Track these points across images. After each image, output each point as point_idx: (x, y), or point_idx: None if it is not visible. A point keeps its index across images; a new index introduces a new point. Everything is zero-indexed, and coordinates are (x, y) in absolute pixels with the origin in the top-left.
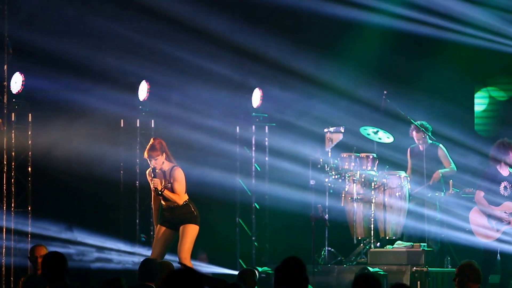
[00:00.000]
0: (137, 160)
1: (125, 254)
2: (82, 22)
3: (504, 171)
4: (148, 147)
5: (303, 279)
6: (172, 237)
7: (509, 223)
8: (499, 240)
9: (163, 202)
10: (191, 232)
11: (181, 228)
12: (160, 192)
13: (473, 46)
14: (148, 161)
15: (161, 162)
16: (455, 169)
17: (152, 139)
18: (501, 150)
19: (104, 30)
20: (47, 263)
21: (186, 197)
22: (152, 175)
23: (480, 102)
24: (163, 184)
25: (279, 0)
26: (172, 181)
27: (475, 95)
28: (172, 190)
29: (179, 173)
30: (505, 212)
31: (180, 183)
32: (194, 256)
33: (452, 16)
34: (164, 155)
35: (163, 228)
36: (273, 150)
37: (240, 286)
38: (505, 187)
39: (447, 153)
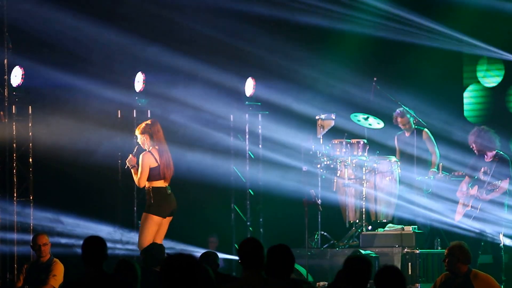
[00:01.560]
0: (135, 150)
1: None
2: (79, 18)
3: (486, 157)
4: (139, 126)
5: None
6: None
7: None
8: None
9: None
10: (143, 220)
11: None
12: (126, 167)
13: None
14: (140, 137)
15: (143, 142)
16: (438, 155)
17: (148, 120)
18: (487, 139)
19: (101, 24)
20: (86, 247)
21: (146, 184)
22: (134, 154)
23: (470, 89)
24: (131, 162)
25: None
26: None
27: (464, 82)
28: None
29: (142, 157)
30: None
31: (141, 167)
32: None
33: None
34: (146, 135)
35: None
36: (266, 138)
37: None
38: (484, 172)
39: (431, 137)
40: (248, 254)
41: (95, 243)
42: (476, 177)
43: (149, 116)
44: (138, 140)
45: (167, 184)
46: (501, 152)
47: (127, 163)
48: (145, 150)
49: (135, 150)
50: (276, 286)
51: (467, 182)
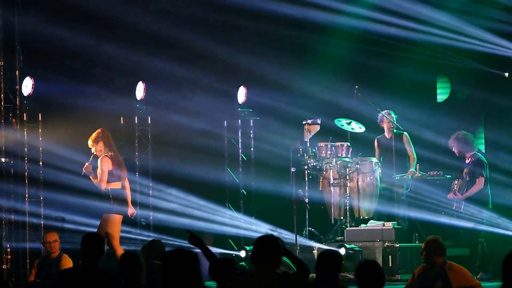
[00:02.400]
0: (136, 153)
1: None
2: (84, 32)
3: (466, 159)
4: (98, 135)
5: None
6: None
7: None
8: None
9: None
10: (106, 221)
11: None
12: (85, 174)
13: (436, 45)
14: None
15: (98, 150)
16: (415, 156)
17: (98, 129)
18: (465, 142)
19: (104, 38)
20: (84, 242)
21: (108, 186)
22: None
23: (441, 97)
24: (88, 169)
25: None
26: (97, 167)
27: (438, 89)
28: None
29: (101, 162)
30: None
31: (101, 170)
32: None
33: (415, 17)
34: (101, 143)
35: None
36: (258, 141)
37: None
38: (466, 173)
39: (410, 140)
40: (262, 249)
41: (92, 239)
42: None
43: (149, 122)
44: (93, 150)
45: (121, 186)
46: (478, 154)
47: (84, 170)
48: (102, 155)
49: (91, 159)
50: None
51: (459, 185)
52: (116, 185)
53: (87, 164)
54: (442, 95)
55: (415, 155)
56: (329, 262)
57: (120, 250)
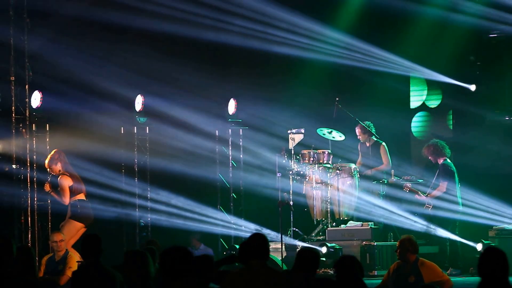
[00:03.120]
0: (135, 160)
1: None
2: (88, 49)
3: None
4: (48, 162)
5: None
6: None
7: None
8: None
9: None
10: (68, 225)
11: None
12: (48, 192)
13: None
14: (50, 169)
15: (57, 170)
16: (390, 166)
17: (53, 151)
18: (437, 150)
19: (106, 55)
20: (84, 243)
21: (72, 199)
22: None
23: (416, 108)
24: (47, 189)
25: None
26: (59, 185)
27: (411, 102)
28: (59, 193)
29: (61, 181)
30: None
31: (62, 188)
32: (188, 239)
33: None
34: (58, 163)
35: None
36: (247, 149)
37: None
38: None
39: (387, 150)
40: (254, 246)
41: (92, 240)
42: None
43: (147, 131)
44: (52, 171)
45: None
46: (447, 161)
47: (45, 189)
48: (61, 174)
49: (49, 178)
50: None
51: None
52: (80, 197)
53: (46, 183)
54: (416, 101)
55: (390, 165)
56: (307, 257)
57: (74, 251)
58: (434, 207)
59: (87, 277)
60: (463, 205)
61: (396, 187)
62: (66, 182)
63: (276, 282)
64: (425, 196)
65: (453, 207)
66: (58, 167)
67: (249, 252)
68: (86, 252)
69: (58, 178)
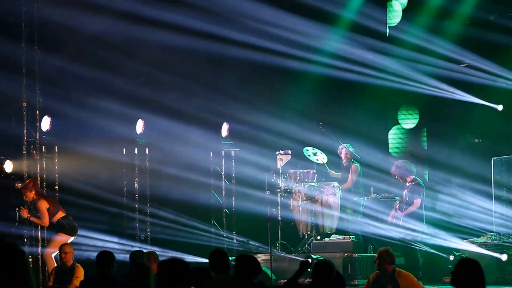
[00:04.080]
0: (136, 179)
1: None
2: (91, 80)
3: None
4: (23, 187)
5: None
6: None
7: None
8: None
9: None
10: (57, 239)
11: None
12: (26, 219)
13: (388, 87)
14: (24, 196)
15: (31, 196)
16: (351, 185)
17: (27, 180)
18: (403, 169)
19: (108, 83)
20: (99, 258)
21: (54, 220)
22: (30, 209)
23: (393, 131)
24: (24, 215)
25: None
26: (37, 210)
27: (389, 124)
28: (38, 217)
29: (39, 205)
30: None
31: (41, 212)
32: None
33: (370, 65)
34: (32, 190)
35: None
36: (238, 169)
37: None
38: (406, 194)
39: (357, 171)
40: (218, 261)
41: (105, 256)
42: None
43: (147, 152)
44: (26, 198)
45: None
46: (417, 178)
47: (22, 215)
48: (37, 199)
49: (26, 205)
50: (245, 285)
51: (398, 203)
52: (60, 215)
53: (23, 208)
54: (409, 124)
55: (351, 184)
56: (321, 270)
57: (52, 261)
58: (404, 222)
59: (98, 285)
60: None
61: (375, 203)
62: (44, 205)
63: None
64: (401, 211)
65: (418, 223)
66: (32, 193)
67: (213, 266)
68: (100, 265)
69: (37, 203)
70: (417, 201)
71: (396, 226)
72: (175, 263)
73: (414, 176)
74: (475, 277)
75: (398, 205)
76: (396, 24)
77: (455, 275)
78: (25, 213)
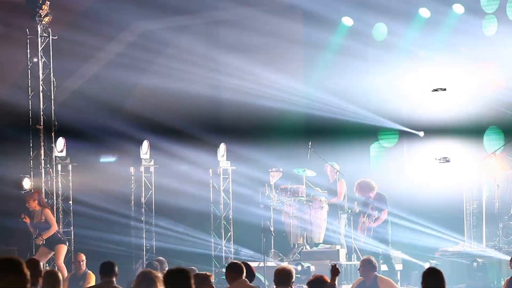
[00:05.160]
0: (142, 195)
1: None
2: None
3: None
4: (27, 196)
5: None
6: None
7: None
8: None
9: None
10: (60, 249)
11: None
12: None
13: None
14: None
15: (33, 206)
16: (341, 199)
17: (33, 191)
18: (365, 187)
19: (114, 112)
20: (102, 267)
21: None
22: (30, 216)
23: (374, 150)
24: (27, 219)
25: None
26: (43, 218)
27: (370, 144)
28: (44, 225)
29: (47, 213)
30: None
31: (49, 218)
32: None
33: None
34: (36, 202)
35: None
36: (235, 185)
37: None
38: (372, 208)
39: (344, 187)
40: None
41: (109, 265)
42: (368, 212)
43: (151, 170)
44: (29, 206)
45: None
46: (380, 192)
47: (25, 220)
48: (39, 210)
49: (32, 215)
50: None
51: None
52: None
53: (25, 216)
54: (390, 143)
55: (342, 198)
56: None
57: (64, 269)
58: (375, 232)
59: None
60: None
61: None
62: (50, 213)
63: None
64: (372, 222)
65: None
66: (35, 203)
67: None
68: (104, 273)
69: (45, 211)
70: (385, 212)
71: (368, 238)
72: (179, 271)
73: (376, 191)
74: (439, 284)
75: (366, 219)
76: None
77: (423, 282)
78: (27, 220)
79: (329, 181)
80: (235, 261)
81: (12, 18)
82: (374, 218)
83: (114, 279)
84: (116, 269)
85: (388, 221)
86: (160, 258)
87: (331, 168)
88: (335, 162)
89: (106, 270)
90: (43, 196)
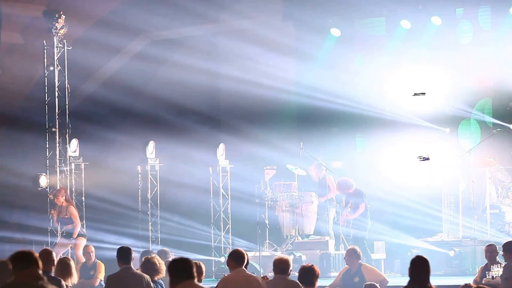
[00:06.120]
0: (148, 191)
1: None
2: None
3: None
4: (55, 192)
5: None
6: None
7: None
8: None
9: None
10: (80, 243)
11: None
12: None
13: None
14: (55, 200)
15: (61, 201)
16: (333, 193)
17: (60, 188)
18: (344, 185)
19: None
20: (119, 252)
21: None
22: (57, 212)
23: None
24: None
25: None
26: (67, 215)
27: (357, 146)
28: (68, 220)
29: (72, 210)
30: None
31: (74, 214)
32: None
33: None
34: (64, 199)
35: None
36: (233, 181)
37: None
38: (351, 202)
39: (333, 181)
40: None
41: (126, 251)
42: (348, 206)
43: (157, 168)
44: (57, 202)
45: None
46: (357, 188)
47: (53, 215)
48: (68, 205)
49: (56, 209)
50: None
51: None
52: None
53: (53, 211)
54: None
55: (334, 191)
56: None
57: (82, 258)
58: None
59: (123, 278)
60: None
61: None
62: (74, 210)
63: None
64: (350, 215)
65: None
66: (63, 199)
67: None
68: (123, 260)
69: (69, 208)
70: (362, 205)
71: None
72: (181, 261)
73: (354, 187)
74: (424, 270)
75: (347, 212)
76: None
77: (410, 268)
78: (54, 214)
79: (314, 180)
80: (238, 249)
81: (31, 31)
82: (352, 211)
83: (131, 265)
84: (132, 255)
85: (367, 214)
86: (165, 248)
87: (315, 168)
88: (323, 162)
89: (124, 257)
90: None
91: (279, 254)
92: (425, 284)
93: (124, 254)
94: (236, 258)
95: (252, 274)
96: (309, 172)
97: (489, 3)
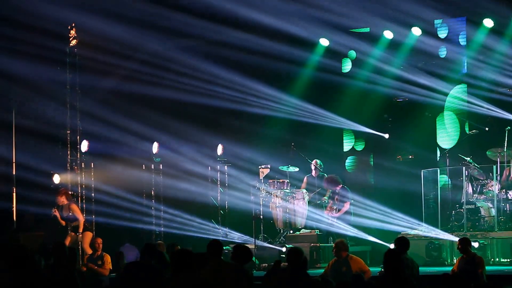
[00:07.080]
0: (153, 188)
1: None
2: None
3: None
4: (56, 194)
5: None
6: None
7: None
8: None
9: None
10: (86, 237)
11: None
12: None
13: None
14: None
15: (61, 201)
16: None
17: (61, 189)
18: (332, 181)
19: (132, 115)
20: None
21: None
22: (59, 209)
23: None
24: (56, 213)
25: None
26: (70, 212)
27: (344, 146)
28: (72, 217)
29: (75, 209)
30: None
31: (77, 211)
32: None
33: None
34: (65, 198)
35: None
36: (230, 179)
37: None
38: (337, 199)
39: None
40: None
41: (149, 248)
42: (334, 202)
43: (161, 167)
44: (57, 202)
45: None
46: (345, 186)
47: (55, 213)
48: (66, 205)
49: (58, 209)
50: (230, 266)
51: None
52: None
53: (55, 209)
54: (347, 146)
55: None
56: (295, 251)
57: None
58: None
59: (139, 268)
60: (354, 214)
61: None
62: (77, 207)
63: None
64: (335, 213)
65: (348, 218)
66: (63, 198)
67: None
68: (144, 255)
69: (71, 206)
70: (347, 204)
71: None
72: (182, 252)
73: (341, 185)
74: (397, 263)
75: (332, 208)
76: (347, 71)
77: (385, 261)
78: (57, 213)
79: (314, 176)
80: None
81: (46, 41)
82: (337, 209)
83: (151, 258)
84: (156, 252)
85: (351, 211)
86: (174, 243)
87: (316, 163)
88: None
89: (215, 251)
90: (70, 191)
91: (273, 246)
92: (399, 275)
93: (147, 250)
94: (211, 248)
95: (231, 262)
96: (311, 166)
97: None
